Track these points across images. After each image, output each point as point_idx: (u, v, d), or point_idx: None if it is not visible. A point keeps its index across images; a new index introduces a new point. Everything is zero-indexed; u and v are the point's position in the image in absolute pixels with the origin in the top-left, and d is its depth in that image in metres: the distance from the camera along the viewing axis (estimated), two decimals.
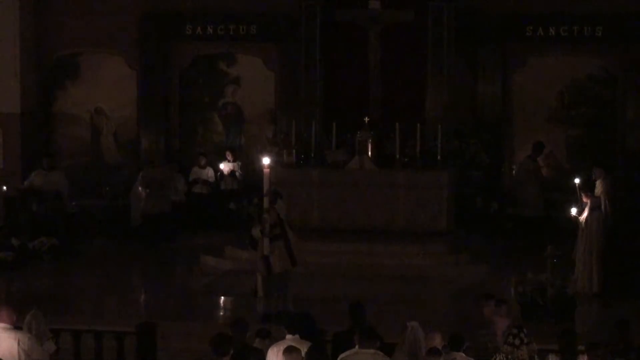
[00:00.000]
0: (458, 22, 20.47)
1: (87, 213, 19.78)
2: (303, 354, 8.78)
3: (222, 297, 15.41)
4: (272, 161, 13.87)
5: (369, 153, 19.02)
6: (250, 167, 21.20)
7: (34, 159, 21.20)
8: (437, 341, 9.68)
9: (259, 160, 20.52)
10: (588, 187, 15.68)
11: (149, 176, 19.97)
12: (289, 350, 8.65)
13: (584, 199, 15.37)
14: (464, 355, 9.63)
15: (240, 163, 21.45)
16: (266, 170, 13.64)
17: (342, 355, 9.11)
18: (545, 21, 21.13)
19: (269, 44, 21.97)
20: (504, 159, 21.43)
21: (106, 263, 17.93)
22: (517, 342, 9.12)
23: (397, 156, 18.95)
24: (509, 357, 9.08)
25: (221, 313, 14.92)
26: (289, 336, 9.47)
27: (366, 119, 19.26)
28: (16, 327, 9.79)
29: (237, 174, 21.36)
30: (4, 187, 19.83)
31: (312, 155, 19.26)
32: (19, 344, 9.44)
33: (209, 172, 21.48)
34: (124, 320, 12.93)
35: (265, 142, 21.54)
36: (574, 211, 15.36)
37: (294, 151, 19.30)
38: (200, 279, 16.71)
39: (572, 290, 13.93)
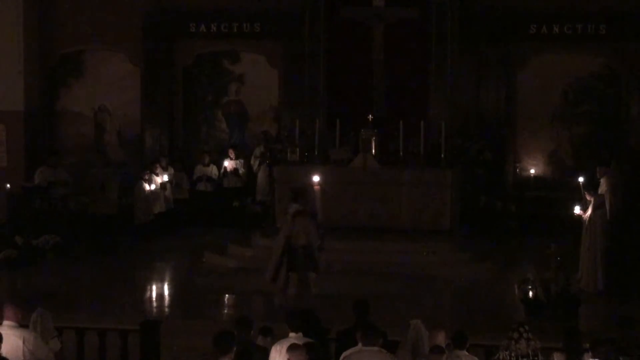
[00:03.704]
0: (462, 20, 20.47)
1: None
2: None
3: (226, 295, 15.40)
4: (319, 180, 13.93)
5: (373, 151, 19.02)
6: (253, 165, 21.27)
7: (38, 157, 21.22)
8: (441, 339, 9.67)
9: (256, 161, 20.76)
10: (592, 185, 15.67)
11: (91, 178, 19.88)
12: (293, 348, 8.64)
13: (588, 197, 15.35)
14: (467, 353, 9.62)
15: (243, 161, 21.47)
16: (317, 188, 13.62)
17: (345, 353, 9.10)
18: (549, 19, 21.13)
19: (273, 41, 21.99)
20: (508, 157, 21.42)
21: (109, 260, 17.93)
22: (515, 335, 9.11)
23: (401, 154, 18.94)
24: (512, 354, 9.06)
25: (225, 311, 14.92)
26: (292, 334, 9.47)
27: (370, 116, 19.25)
28: (22, 325, 9.79)
29: (240, 171, 21.38)
30: (8, 185, 19.83)
31: (316, 153, 19.25)
32: (24, 342, 9.43)
33: (213, 170, 21.51)
34: (128, 317, 12.93)
35: (263, 137, 21.52)
36: (577, 209, 15.34)
37: (297, 149, 19.29)
38: (203, 277, 16.70)
39: (575, 288, 13.92)
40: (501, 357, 9.16)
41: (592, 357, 9.22)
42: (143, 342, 11.65)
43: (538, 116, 21.57)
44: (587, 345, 9.43)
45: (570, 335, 9.40)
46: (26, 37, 21.69)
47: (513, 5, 21.11)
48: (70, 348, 11.66)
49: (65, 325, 11.64)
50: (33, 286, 15.90)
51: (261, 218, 19.71)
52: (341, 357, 9.13)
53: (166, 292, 16.42)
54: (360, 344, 9.05)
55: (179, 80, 22.62)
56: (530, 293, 13.62)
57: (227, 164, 21.43)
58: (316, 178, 13.96)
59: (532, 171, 21.40)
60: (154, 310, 14.71)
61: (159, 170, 20.37)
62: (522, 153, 21.67)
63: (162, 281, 17.19)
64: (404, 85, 20.47)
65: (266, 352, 9.39)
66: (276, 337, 9.83)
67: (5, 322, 9.57)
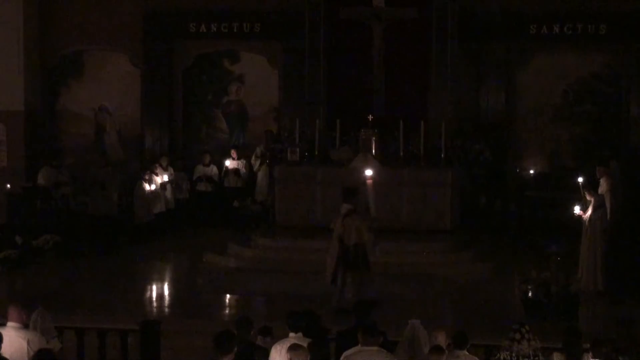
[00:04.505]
0: (462, 20, 20.46)
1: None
2: None
3: (226, 295, 15.40)
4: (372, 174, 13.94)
5: (373, 151, 19.00)
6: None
7: (38, 157, 21.22)
8: (441, 339, 9.67)
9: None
10: (592, 185, 15.68)
11: (91, 177, 19.82)
12: (294, 348, 8.63)
13: (588, 197, 15.35)
14: (467, 353, 9.62)
15: (244, 161, 21.45)
16: (369, 182, 13.61)
17: (346, 353, 9.10)
18: (550, 19, 21.13)
19: (273, 41, 21.99)
20: (508, 158, 21.41)
21: (110, 260, 17.92)
22: (517, 336, 9.11)
23: (401, 154, 18.93)
24: (512, 354, 9.07)
25: (225, 311, 14.92)
26: (292, 334, 9.47)
27: (370, 116, 19.24)
28: (26, 325, 9.75)
29: (241, 172, 21.36)
30: (8, 185, 19.83)
31: (316, 153, 19.25)
32: (28, 343, 9.38)
33: (213, 170, 21.50)
34: (128, 317, 12.93)
35: (265, 137, 21.48)
36: (577, 209, 15.34)
37: (297, 149, 19.28)
38: (203, 277, 16.69)
39: (575, 288, 13.92)
40: (502, 357, 9.16)
41: (592, 357, 9.23)
42: (143, 342, 11.65)
43: (538, 116, 21.58)
44: (587, 345, 9.43)
45: (570, 335, 9.40)
46: (26, 37, 21.68)
47: (513, 5, 21.11)
48: (70, 348, 11.66)
49: (65, 325, 11.64)
50: (33, 286, 15.89)
51: (261, 218, 19.70)
52: (341, 357, 9.13)
53: (166, 292, 16.42)
54: (360, 344, 9.05)
55: (179, 80, 22.61)
56: (530, 293, 13.61)
57: (229, 163, 21.42)
58: (369, 172, 13.94)
59: (532, 171, 21.39)
60: (154, 310, 14.71)
61: (158, 170, 20.36)
62: (522, 153, 21.66)
63: (162, 281, 17.18)
64: (404, 85, 20.45)
65: (266, 352, 9.38)
66: (276, 337, 9.83)
67: (10, 324, 9.51)
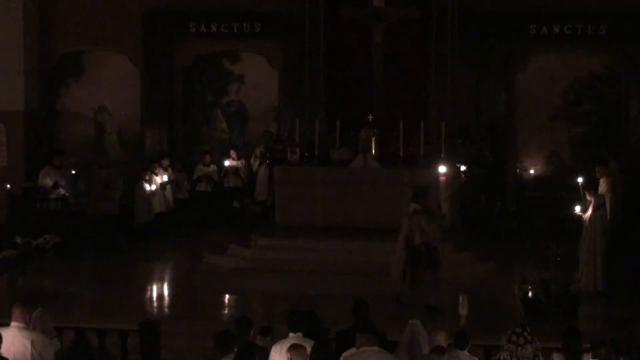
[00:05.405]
0: (462, 20, 20.46)
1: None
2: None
3: (226, 295, 15.40)
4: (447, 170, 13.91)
5: (373, 151, 19.01)
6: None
7: (38, 157, 21.21)
8: (441, 339, 9.67)
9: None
10: (592, 185, 15.68)
11: (94, 177, 19.81)
12: (294, 348, 8.64)
13: (588, 197, 15.36)
14: (468, 354, 9.62)
15: (244, 161, 21.45)
16: (442, 178, 13.57)
17: (345, 354, 9.10)
18: (549, 20, 21.14)
19: (273, 42, 22.00)
20: (508, 157, 21.42)
21: (109, 261, 17.92)
22: (520, 340, 9.09)
23: (401, 154, 18.92)
24: (513, 356, 9.06)
25: (225, 311, 14.92)
26: (292, 334, 9.47)
27: (370, 116, 19.24)
28: (29, 326, 9.74)
29: (241, 172, 21.36)
30: (8, 185, 19.82)
31: (316, 153, 19.24)
32: (32, 344, 9.39)
33: (214, 170, 21.49)
34: (128, 317, 12.93)
35: (264, 137, 21.45)
36: (577, 209, 15.35)
37: (297, 149, 19.29)
38: (203, 277, 16.69)
39: (575, 288, 13.91)
40: (502, 357, 9.16)
41: (591, 358, 9.23)
42: (143, 342, 11.65)
43: (538, 116, 21.59)
44: (587, 345, 9.43)
45: (570, 335, 9.40)
46: (26, 37, 21.68)
47: (513, 5, 21.11)
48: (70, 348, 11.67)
49: (65, 325, 11.64)
50: (33, 286, 15.89)
51: (261, 218, 19.71)
52: (341, 358, 9.12)
53: (166, 292, 16.42)
54: (359, 345, 9.04)
55: (178, 80, 22.61)
56: (530, 293, 13.61)
57: (228, 163, 21.41)
58: (442, 169, 13.85)
59: (532, 171, 21.41)
60: (154, 310, 14.71)
61: (158, 170, 20.36)
62: (522, 153, 21.67)
63: (162, 281, 17.19)
64: (404, 85, 20.45)
65: (266, 352, 9.39)
66: (276, 337, 9.83)
67: (13, 324, 9.51)
